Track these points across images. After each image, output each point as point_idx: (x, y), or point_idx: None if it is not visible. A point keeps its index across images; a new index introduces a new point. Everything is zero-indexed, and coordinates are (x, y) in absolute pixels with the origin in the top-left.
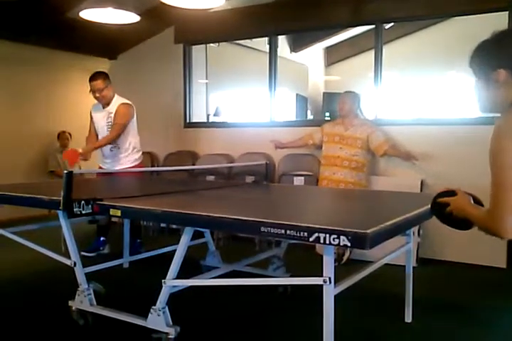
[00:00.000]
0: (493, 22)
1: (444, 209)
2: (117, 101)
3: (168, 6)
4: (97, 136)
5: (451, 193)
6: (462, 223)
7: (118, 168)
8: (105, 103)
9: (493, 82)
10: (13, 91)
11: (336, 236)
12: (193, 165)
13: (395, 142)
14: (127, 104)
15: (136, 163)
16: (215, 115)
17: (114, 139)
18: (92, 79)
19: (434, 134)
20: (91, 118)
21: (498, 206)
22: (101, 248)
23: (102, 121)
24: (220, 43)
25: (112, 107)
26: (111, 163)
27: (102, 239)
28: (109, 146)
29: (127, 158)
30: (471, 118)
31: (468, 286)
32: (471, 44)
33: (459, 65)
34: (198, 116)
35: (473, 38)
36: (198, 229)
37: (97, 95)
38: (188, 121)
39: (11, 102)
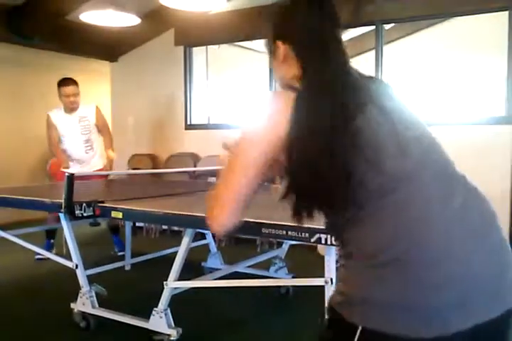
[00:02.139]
0: (494, 22)
1: None
2: (85, 105)
3: (169, 8)
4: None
5: None
6: None
7: (91, 170)
8: (75, 108)
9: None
10: (14, 94)
11: None
12: (194, 166)
13: None
14: (97, 105)
15: (101, 165)
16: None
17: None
18: (69, 83)
19: (437, 135)
20: (52, 125)
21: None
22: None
23: (73, 125)
24: (221, 45)
25: (83, 112)
26: (84, 165)
27: (51, 241)
28: (84, 149)
29: (99, 160)
30: (471, 119)
31: None
32: (471, 44)
33: (460, 66)
34: (198, 117)
35: (473, 38)
36: (200, 230)
37: (72, 99)
38: (188, 122)
39: (12, 105)
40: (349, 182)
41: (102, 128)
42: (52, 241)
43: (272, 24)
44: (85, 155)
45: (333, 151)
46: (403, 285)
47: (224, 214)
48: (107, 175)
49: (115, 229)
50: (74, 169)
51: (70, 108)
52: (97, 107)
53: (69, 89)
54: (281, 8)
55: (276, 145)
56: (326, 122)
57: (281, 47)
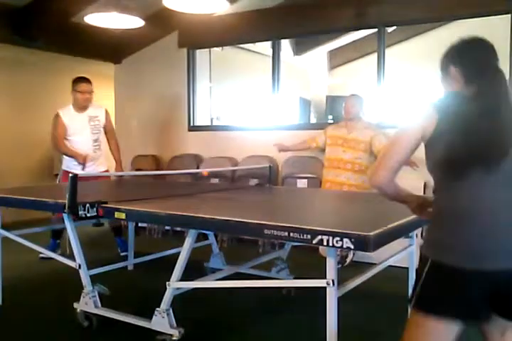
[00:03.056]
0: (496, 25)
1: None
2: (96, 106)
3: (172, 10)
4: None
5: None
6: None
7: (98, 170)
8: (86, 106)
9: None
10: (20, 95)
11: (339, 238)
12: (197, 168)
13: None
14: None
15: (106, 167)
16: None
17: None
18: (86, 81)
19: None
20: (61, 123)
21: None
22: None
23: (84, 124)
24: (224, 47)
25: (94, 112)
26: (91, 165)
27: (57, 241)
28: (92, 148)
29: (104, 161)
30: None
31: None
32: None
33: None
34: (202, 119)
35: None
36: (202, 231)
37: (88, 96)
38: (192, 124)
39: (18, 106)
40: None
41: (109, 131)
42: (58, 241)
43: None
44: (93, 154)
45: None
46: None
47: (383, 171)
48: (110, 176)
49: (118, 231)
50: (78, 167)
51: (82, 106)
52: (106, 110)
53: (85, 86)
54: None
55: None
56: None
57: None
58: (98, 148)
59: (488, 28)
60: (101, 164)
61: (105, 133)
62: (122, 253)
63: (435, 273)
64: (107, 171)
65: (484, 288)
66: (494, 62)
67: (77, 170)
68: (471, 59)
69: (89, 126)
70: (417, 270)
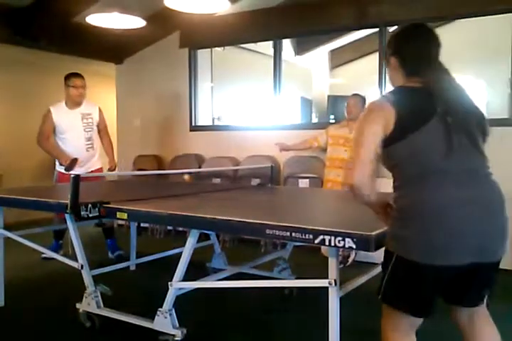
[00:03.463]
0: (498, 24)
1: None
2: (89, 103)
3: (174, 10)
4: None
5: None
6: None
7: (90, 169)
8: (79, 102)
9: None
10: (21, 95)
11: (341, 238)
12: (199, 168)
13: None
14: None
15: (100, 164)
16: (217, 120)
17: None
18: (78, 76)
19: None
20: (50, 120)
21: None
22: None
23: (75, 122)
24: (225, 47)
25: (87, 109)
26: (84, 164)
27: (59, 242)
28: (85, 147)
29: (98, 160)
30: None
31: None
32: (475, 47)
33: (464, 68)
34: (203, 119)
35: (477, 40)
36: (204, 231)
37: (81, 91)
38: (193, 124)
39: (19, 106)
40: None
41: (103, 129)
42: (60, 241)
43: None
44: (86, 153)
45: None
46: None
47: (359, 172)
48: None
49: (109, 232)
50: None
51: (76, 101)
52: (99, 108)
53: (79, 81)
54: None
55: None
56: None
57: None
58: (91, 146)
59: (489, 27)
60: (95, 163)
61: (98, 131)
62: (113, 255)
63: (399, 267)
64: (100, 169)
65: (443, 282)
66: (434, 51)
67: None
68: (409, 48)
69: (81, 124)
70: (382, 264)
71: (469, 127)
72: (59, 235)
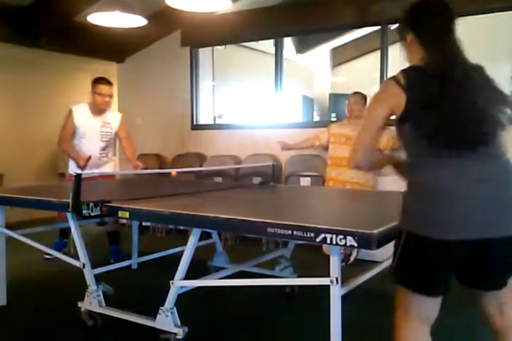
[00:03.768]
0: (500, 22)
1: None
2: (113, 112)
3: (175, 9)
4: (71, 140)
5: None
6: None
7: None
8: (103, 110)
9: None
10: (23, 94)
11: (342, 236)
12: (201, 166)
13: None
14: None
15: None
16: (218, 118)
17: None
18: (107, 83)
19: None
20: (71, 121)
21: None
22: (62, 248)
23: (94, 129)
24: (227, 46)
25: (109, 117)
26: (96, 169)
27: (64, 240)
28: (98, 155)
29: (109, 167)
30: None
31: None
32: (475, 44)
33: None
34: (204, 117)
35: (479, 38)
36: (206, 230)
37: (107, 100)
38: (195, 123)
39: (21, 105)
40: None
41: (124, 138)
42: (65, 240)
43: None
44: (98, 161)
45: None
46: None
47: (358, 154)
48: (114, 176)
49: (115, 237)
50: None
51: (100, 109)
52: (122, 116)
53: (106, 89)
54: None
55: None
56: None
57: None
58: (105, 156)
59: (490, 25)
60: (104, 170)
61: (119, 140)
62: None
63: (411, 244)
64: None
65: (455, 259)
66: (451, 25)
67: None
68: (427, 22)
69: (99, 132)
70: (394, 243)
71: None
72: (64, 233)
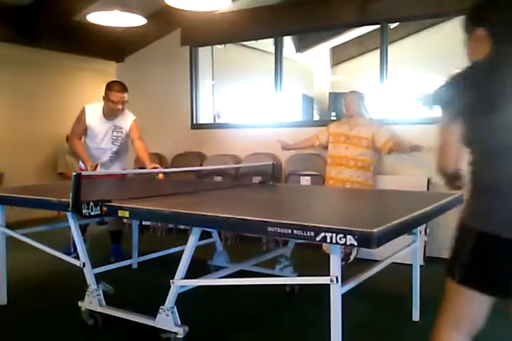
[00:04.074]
0: None
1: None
2: (125, 116)
3: (174, 8)
4: (81, 138)
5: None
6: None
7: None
8: (116, 115)
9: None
10: (22, 94)
11: (342, 235)
12: (200, 166)
13: (399, 139)
14: (136, 120)
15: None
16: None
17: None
18: (122, 90)
19: None
20: (82, 121)
21: None
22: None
23: (105, 132)
24: (226, 45)
25: (120, 122)
26: (105, 169)
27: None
28: (108, 157)
29: (120, 166)
30: None
31: None
32: None
33: (465, 64)
34: (204, 117)
35: None
36: (206, 229)
37: (120, 107)
38: (194, 122)
39: (20, 105)
40: None
41: (135, 139)
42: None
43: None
44: (108, 162)
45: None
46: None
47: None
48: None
49: (117, 237)
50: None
51: (112, 114)
52: (134, 121)
53: (120, 96)
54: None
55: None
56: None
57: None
58: (116, 158)
59: None
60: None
61: (131, 141)
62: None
63: (482, 243)
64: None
65: None
66: None
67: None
68: (499, 17)
69: (111, 136)
70: (455, 241)
71: None
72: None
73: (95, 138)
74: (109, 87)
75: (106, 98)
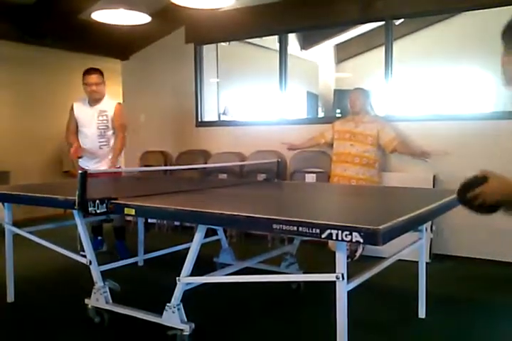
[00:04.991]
0: (505, 16)
1: (474, 201)
2: (109, 100)
3: (179, 6)
4: (76, 132)
5: (481, 180)
6: (492, 207)
7: (105, 167)
8: (97, 99)
9: None
10: (28, 93)
11: (348, 232)
12: (205, 163)
13: (405, 139)
14: (121, 104)
15: (118, 164)
16: (223, 114)
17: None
18: (90, 72)
19: (446, 130)
20: (72, 115)
21: None
22: (99, 247)
23: (91, 118)
24: (231, 42)
25: (104, 106)
26: (98, 161)
27: (98, 238)
28: (98, 143)
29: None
30: (482, 113)
31: (482, 282)
32: (481, 39)
33: (470, 60)
34: (209, 114)
35: (483, 32)
36: (211, 226)
37: (94, 88)
38: (199, 120)
39: (26, 103)
40: None
41: (117, 126)
42: (99, 237)
43: None
44: (99, 150)
45: None
46: None
47: None
48: (120, 173)
49: (120, 233)
50: (85, 162)
51: (92, 98)
52: (118, 104)
53: (91, 78)
54: None
55: None
56: None
57: None
58: (105, 144)
59: (495, 19)
60: (107, 163)
61: (113, 127)
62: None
63: None
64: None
65: None
66: None
67: (89, 166)
68: None
69: (96, 121)
70: None
71: None
72: (97, 230)
73: (83, 126)
74: (83, 72)
75: (83, 84)
